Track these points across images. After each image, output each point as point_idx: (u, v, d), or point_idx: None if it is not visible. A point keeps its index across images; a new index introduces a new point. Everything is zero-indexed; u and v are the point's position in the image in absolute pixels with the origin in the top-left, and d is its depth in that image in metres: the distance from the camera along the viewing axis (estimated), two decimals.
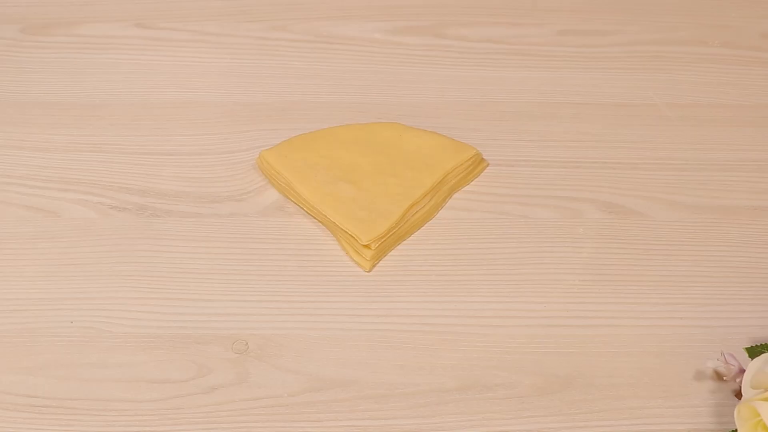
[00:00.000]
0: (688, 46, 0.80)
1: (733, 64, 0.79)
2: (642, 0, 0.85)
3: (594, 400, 0.61)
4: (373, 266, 0.67)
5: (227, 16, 0.81)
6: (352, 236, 0.66)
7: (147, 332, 0.63)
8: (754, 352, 0.58)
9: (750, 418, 0.53)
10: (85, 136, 0.73)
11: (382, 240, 0.66)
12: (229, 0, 0.82)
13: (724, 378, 0.61)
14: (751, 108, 0.76)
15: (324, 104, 0.76)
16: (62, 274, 0.66)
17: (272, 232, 0.68)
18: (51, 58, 0.78)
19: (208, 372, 0.62)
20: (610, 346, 0.63)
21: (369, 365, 0.62)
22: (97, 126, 0.73)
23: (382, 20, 0.81)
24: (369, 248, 0.65)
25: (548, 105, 0.77)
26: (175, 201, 0.70)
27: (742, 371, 0.58)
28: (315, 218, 0.69)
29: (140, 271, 0.66)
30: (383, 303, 0.65)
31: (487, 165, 0.72)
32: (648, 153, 0.73)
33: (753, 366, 0.56)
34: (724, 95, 0.77)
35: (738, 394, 0.60)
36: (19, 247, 0.67)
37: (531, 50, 0.79)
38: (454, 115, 0.74)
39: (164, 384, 0.61)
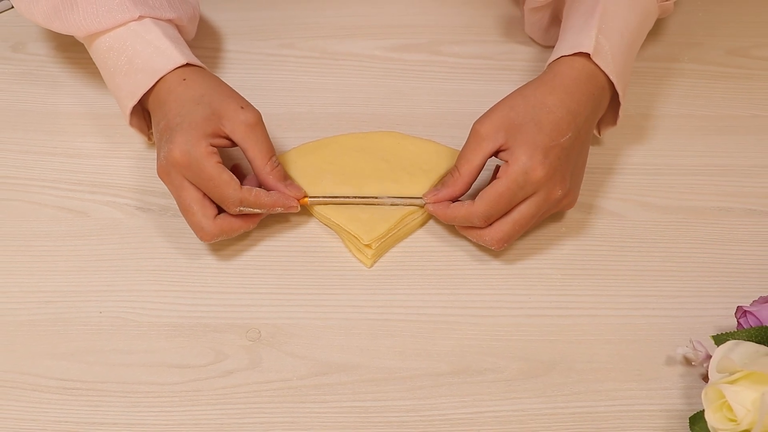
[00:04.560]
0: (660, 62, 0.80)
1: (701, 78, 0.79)
2: None
3: (574, 382, 0.61)
4: (374, 263, 0.67)
5: (241, 34, 0.81)
6: (354, 236, 0.65)
7: (169, 321, 0.64)
8: (719, 339, 0.58)
9: (716, 399, 0.54)
10: (113, 143, 0.73)
11: (383, 240, 0.66)
12: (243, 20, 0.82)
13: (693, 363, 0.61)
14: (717, 118, 0.76)
15: (329, 115, 0.76)
16: (92, 268, 0.66)
17: (282, 231, 0.68)
18: (81, 72, 0.78)
19: (225, 357, 0.62)
20: (589, 334, 0.63)
21: (370, 351, 0.62)
22: (123, 134, 0.73)
23: (382, 39, 0.81)
24: (370, 248, 0.65)
25: None
26: None
27: (709, 357, 0.59)
28: (320, 221, 0.68)
29: (162, 266, 0.66)
30: (383, 295, 0.65)
31: None
32: (623, 159, 0.73)
33: (719, 352, 0.56)
34: (693, 106, 0.77)
35: (705, 378, 0.61)
36: (53, 244, 0.67)
37: (517, 65, 0.79)
38: (448, 124, 0.74)
39: (184, 368, 0.61)
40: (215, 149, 0.63)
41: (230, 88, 0.67)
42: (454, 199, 0.65)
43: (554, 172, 0.61)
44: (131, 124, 0.68)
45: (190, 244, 0.67)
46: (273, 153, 0.65)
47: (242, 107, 0.64)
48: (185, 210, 0.63)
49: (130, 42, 0.66)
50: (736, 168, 0.73)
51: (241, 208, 0.63)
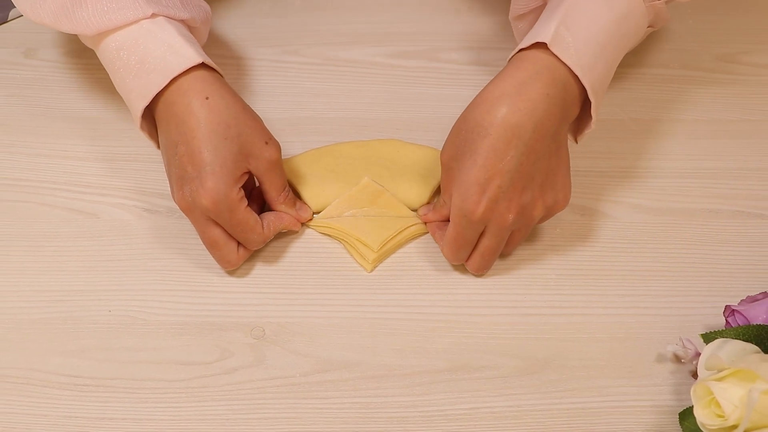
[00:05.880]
0: (650, 67, 0.80)
1: (690, 84, 0.79)
2: None
3: (568, 379, 0.61)
4: (374, 268, 0.66)
5: (247, 41, 0.81)
6: (363, 243, 0.65)
7: (176, 320, 0.64)
8: (708, 337, 0.58)
9: (704, 395, 0.54)
10: (122, 147, 0.73)
11: (385, 245, 0.66)
12: (248, 28, 0.82)
13: (682, 360, 0.62)
14: (706, 122, 0.76)
15: (331, 119, 0.75)
16: (101, 268, 0.66)
17: (285, 233, 0.68)
18: (91, 77, 0.78)
19: (230, 355, 0.62)
20: (582, 332, 0.64)
21: (370, 349, 0.62)
22: (132, 138, 0.73)
23: (383, 45, 0.81)
24: (374, 252, 0.65)
25: None
26: None
27: (698, 354, 0.59)
28: (322, 232, 0.68)
29: (170, 266, 0.66)
30: (384, 295, 0.65)
31: None
32: (615, 162, 0.73)
33: (707, 350, 0.56)
34: (682, 111, 0.77)
35: (694, 375, 0.61)
36: (63, 245, 0.67)
37: None
38: (446, 130, 0.73)
39: (191, 365, 0.62)
40: (243, 193, 0.62)
41: (252, 112, 0.64)
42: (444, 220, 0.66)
43: (495, 203, 0.59)
44: (141, 128, 0.65)
45: (197, 245, 0.67)
46: (286, 184, 0.66)
47: (266, 142, 0.62)
48: (211, 245, 0.63)
49: (142, 41, 0.62)
50: (724, 171, 0.73)
51: None
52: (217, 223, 0.62)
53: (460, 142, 0.60)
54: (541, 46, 0.60)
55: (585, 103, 0.63)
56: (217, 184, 0.60)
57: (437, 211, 0.66)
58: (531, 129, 0.58)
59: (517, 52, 0.61)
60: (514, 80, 0.59)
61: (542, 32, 0.60)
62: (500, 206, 0.59)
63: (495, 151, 0.58)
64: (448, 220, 0.65)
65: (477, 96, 0.61)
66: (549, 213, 0.63)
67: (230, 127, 0.61)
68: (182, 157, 0.61)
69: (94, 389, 0.60)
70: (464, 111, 0.61)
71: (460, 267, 0.66)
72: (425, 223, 0.67)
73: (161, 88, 0.62)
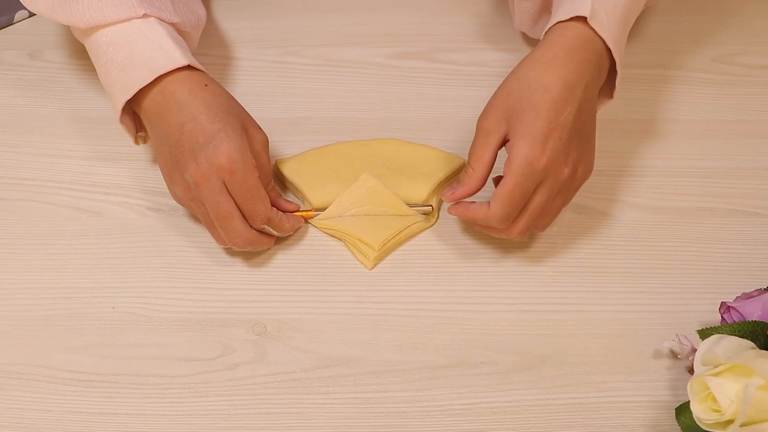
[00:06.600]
0: (648, 68, 0.80)
1: (686, 85, 0.79)
2: None
3: (566, 375, 0.61)
4: (375, 266, 0.66)
5: (248, 43, 0.81)
6: (365, 242, 0.65)
7: (179, 316, 0.64)
8: (704, 334, 0.58)
9: (701, 391, 0.54)
10: (125, 147, 0.73)
11: (386, 243, 0.66)
12: (250, 29, 0.82)
13: (679, 356, 0.62)
14: (702, 122, 0.76)
15: (331, 119, 0.75)
16: (105, 266, 0.66)
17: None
18: (95, 79, 0.78)
19: (232, 351, 0.62)
20: (580, 328, 0.64)
21: (371, 345, 0.63)
22: None
23: (383, 46, 0.81)
24: (375, 251, 0.65)
25: None
26: None
27: (694, 350, 0.59)
28: (323, 231, 0.69)
29: (173, 263, 0.66)
30: (383, 292, 0.65)
31: None
32: (612, 161, 0.73)
33: (703, 346, 0.56)
34: (678, 111, 0.77)
35: (690, 370, 0.61)
36: (68, 243, 0.68)
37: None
38: (446, 129, 0.74)
39: (194, 361, 0.62)
40: (254, 162, 0.62)
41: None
42: (471, 195, 0.63)
43: (557, 155, 0.60)
44: (121, 121, 0.66)
45: (199, 243, 0.67)
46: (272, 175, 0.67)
47: (258, 128, 0.65)
48: (225, 215, 0.62)
49: (132, 38, 0.64)
50: (720, 170, 0.73)
51: (264, 226, 0.63)
52: (230, 195, 0.61)
53: (513, 102, 0.61)
54: (579, 19, 0.62)
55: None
56: (232, 144, 0.61)
57: (466, 184, 0.63)
58: (582, 89, 0.61)
59: (556, 24, 0.63)
60: (562, 46, 0.62)
61: (580, 7, 0.62)
62: (559, 158, 0.60)
63: (555, 105, 0.60)
64: (474, 197, 0.63)
65: (524, 60, 0.63)
66: (584, 176, 0.63)
67: (231, 106, 0.64)
68: (191, 133, 0.62)
69: (98, 385, 0.60)
70: (512, 74, 0.63)
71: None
72: (453, 202, 0.64)
73: (146, 83, 0.63)
